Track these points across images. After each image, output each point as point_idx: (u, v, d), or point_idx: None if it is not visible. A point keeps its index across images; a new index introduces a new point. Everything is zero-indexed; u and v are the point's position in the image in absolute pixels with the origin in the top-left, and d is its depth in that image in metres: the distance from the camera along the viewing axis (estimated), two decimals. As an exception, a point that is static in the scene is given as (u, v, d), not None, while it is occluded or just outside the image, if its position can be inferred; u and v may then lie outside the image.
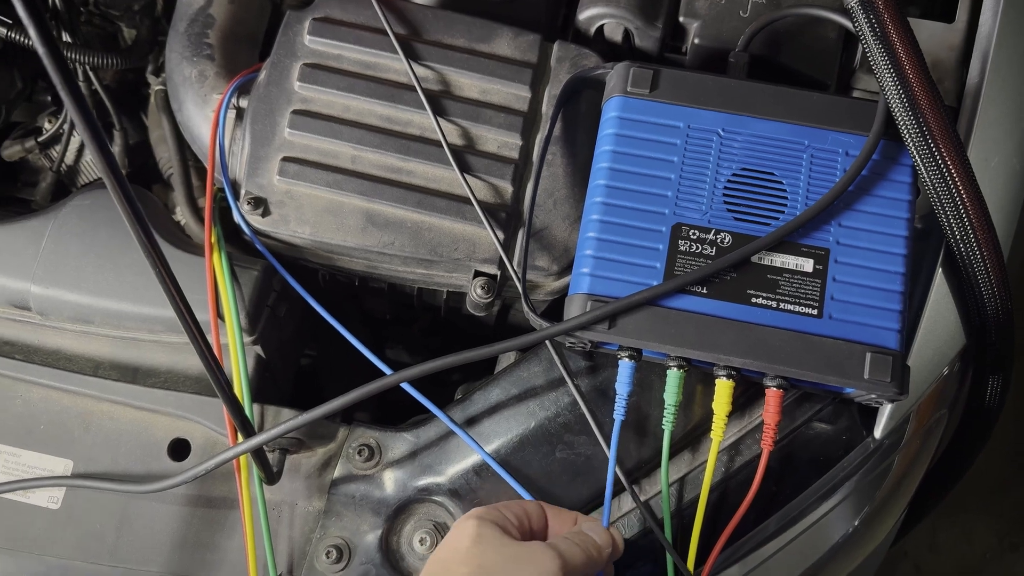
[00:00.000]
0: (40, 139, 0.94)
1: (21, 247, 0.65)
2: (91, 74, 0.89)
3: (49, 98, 0.94)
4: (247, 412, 0.59)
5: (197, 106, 0.71)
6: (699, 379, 0.63)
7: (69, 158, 0.95)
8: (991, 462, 1.48)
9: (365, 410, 0.90)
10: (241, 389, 0.62)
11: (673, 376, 0.58)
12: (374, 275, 0.69)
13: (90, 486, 0.63)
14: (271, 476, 0.61)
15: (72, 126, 0.92)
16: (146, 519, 0.63)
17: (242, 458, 0.60)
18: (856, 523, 0.71)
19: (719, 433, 0.58)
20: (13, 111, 0.91)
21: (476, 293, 0.66)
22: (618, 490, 0.63)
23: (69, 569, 0.62)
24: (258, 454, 0.58)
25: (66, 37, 0.87)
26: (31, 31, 0.36)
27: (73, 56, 0.84)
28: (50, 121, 0.94)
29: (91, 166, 0.97)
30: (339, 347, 0.72)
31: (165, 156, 0.91)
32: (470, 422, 0.64)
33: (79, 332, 0.66)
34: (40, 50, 0.37)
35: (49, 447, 0.64)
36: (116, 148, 0.93)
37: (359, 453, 0.64)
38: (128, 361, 0.67)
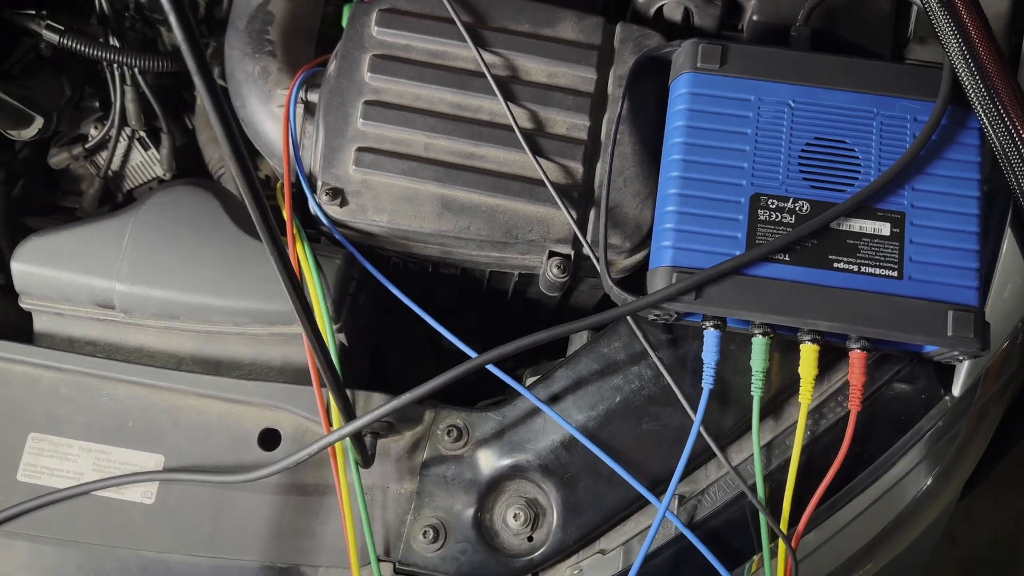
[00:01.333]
0: (87, 145, 0.94)
1: (103, 247, 0.66)
2: (139, 78, 0.90)
3: (96, 104, 0.94)
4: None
5: (261, 102, 0.72)
6: (777, 347, 0.64)
7: (115, 164, 0.96)
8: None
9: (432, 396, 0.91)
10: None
11: (759, 343, 0.60)
12: (448, 260, 0.70)
13: (189, 479, 0.63)
14: (367, 459, 0.62)
15: (119, 132, 0.93)
16: (240, 510, 0.64)
17: (338, 443, 0.61)
18: (929, 481, 0.73)
19: (807, 397, 0.59)
20: (63, 118, 0.91)
21: (552, 272, 0.67)
22: (704, 459, 0.65)
23: (167, 562, 0.63)
24: (357, 438, 0.59)
25: (114, 41, 0.88)
26: (175, 26, 0.37)
27: (124, 59, 0.85)
28: (96, 127, 0.95)
29: (137, 171, 0.97)
30: (403, 332, 0.73)
31: (215, 156, 0.92)
32: (554, 399, 0.65)
33: (162, 329, 0.67)
34: (183, 47, 0.38)
35: (139, 443, 0.65)
36: (164, 151, 0.94)
37: (448, 434, 0.65)
38: (211, 355, 0.67)
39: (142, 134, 0.95)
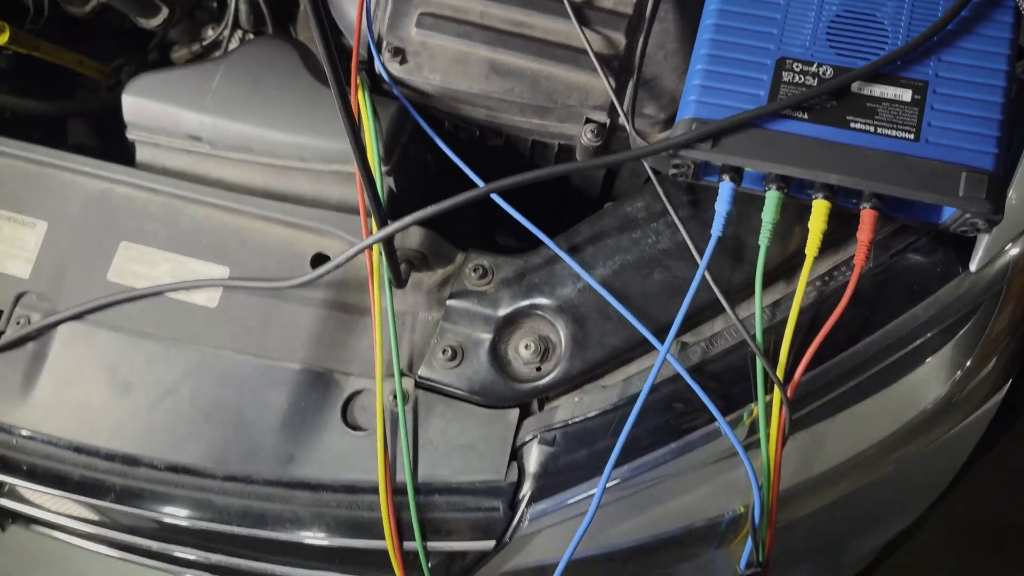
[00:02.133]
0: (204, 43, 1.06)
1: (197, 84, 0.76)
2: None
3: (215, 4, 1.06)
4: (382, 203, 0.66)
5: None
6: (795, 216, 0.67)
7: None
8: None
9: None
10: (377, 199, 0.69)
11: (772, 197, 0.62)
12: (493, 124, 0.76)
13: (241, 285, 0.72)
14: (399, 279, 0.69)
15: (231, 33, 1.04)
16: (288, 319, 0.72)
17: (375, 262, 0.68)
18: (949, 385, 0.73)
19: (814, 249, 0.62)
20: (183, 16, 1.04)
21: (586, 137, 0.72)
22: (711, 314, 0.68)
23: (222, 358, 0.72)
24: (389, 248, 0.65)
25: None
26: None
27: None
28: (212, 28, 1.07)
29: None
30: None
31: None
32: (574, 249, 0.70)
33: (239, 162, 0.76)
34: None
35: (210, 256, 0.74)
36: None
37: (474, 271, 0.70)
38: (278, 189, 0.76)
39: (251, 35, 1.07)
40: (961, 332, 0.69)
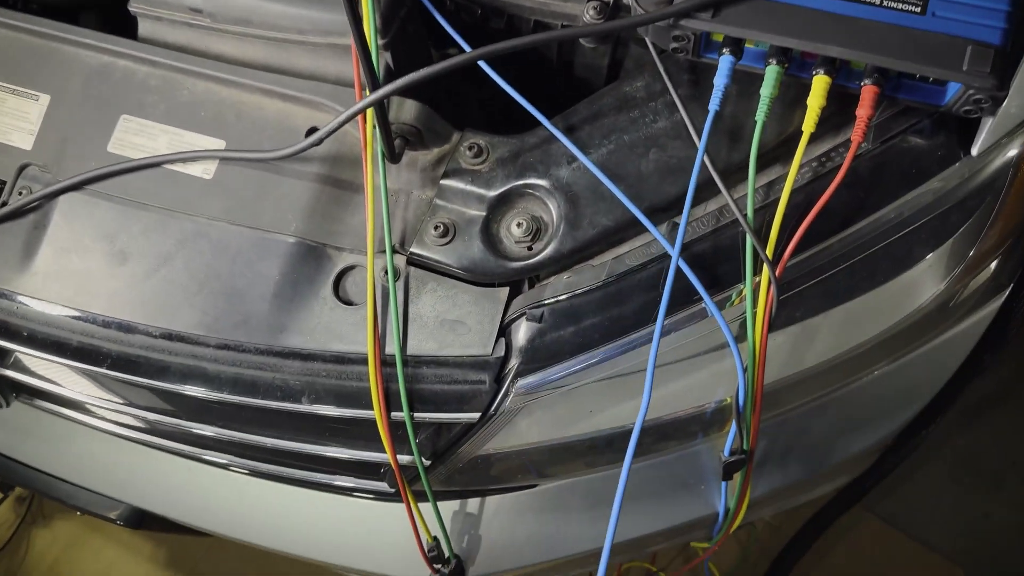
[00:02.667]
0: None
1: (198, -45, 0.75)
2: None
3: None
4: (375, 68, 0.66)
5: None
6: (795, 99, 0.65)
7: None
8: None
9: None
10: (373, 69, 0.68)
11: (771, 71, 0.61)
12: (496, 1, 0.75)
13: (234, 156, 0.72)
14: (392, 153, 0.68)
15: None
16: (283, 192, 0.72)
17: (368, 134, 0.68)
18: (946, 283, 0.72)
19: (810, 125, 0.60)
20: None
21: (588, 15, 0.70)
22: (706, 195, 0.67)
23: (217, 228, 0.72)
24: (382, 118, 0.65)
25: None
26: None
27: None
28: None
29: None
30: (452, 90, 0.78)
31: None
32: (571, 128, 0.69)
33: (239, 37, 0.76)
34: None
35: (207, 129, 0.74)
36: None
37: (470, 150, 0.70)
38: (277, 64, 0.76)
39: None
40: (961, 229, 0.68)
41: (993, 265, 0.72)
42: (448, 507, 0.81)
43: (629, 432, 0.72)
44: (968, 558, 1.47)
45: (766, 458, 0.80)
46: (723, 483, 0.74)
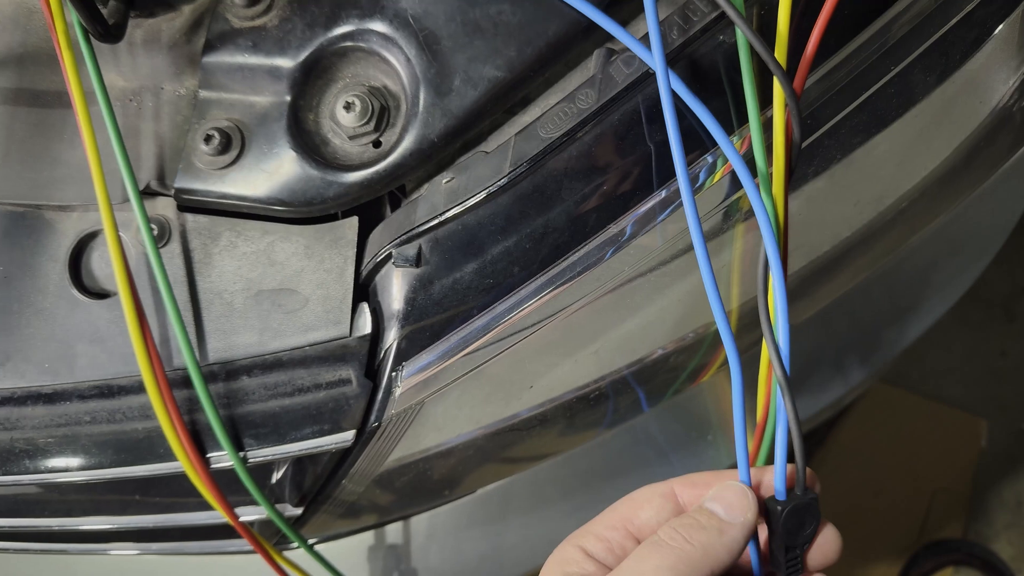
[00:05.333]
0: None
1: None
2: None
3: None
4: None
5: None
6: None
7: None
8: None
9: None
10: None
11: None
12: None
13: None
14: (101, 24, 0.38)
15: None
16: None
17: (54, 2, 0.38)
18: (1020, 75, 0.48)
19: None
20: None
21: None
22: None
23: None
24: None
25: None
26: None
27: None
28: None
29: None
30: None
31: None
32: (407, -75, 0.40)
33: None
34: None
35: None
36: None
37: (241, -5, 0.41)
38: None
39: None
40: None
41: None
42: (360, 544, 0.56)
43: (591, 396, 0.48)
44: (991, 406, 1.30)
45: (802, 366, 0.56)
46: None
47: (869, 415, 1.28)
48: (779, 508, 0.33)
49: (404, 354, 0.40)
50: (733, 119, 0.38)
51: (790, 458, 0.34)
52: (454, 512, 0.56)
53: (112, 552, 0.58)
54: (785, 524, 0.33)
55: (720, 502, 0.32)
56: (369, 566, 0.57)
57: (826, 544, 0.34)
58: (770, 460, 0.35)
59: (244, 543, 0.55)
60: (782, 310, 0.34)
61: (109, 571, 0.61)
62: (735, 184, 0.39)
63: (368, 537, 0.56)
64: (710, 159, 0.39)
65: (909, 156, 0.47)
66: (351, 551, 0.56)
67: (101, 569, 0.61)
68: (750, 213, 0.42)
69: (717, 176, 0.37)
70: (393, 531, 0.56)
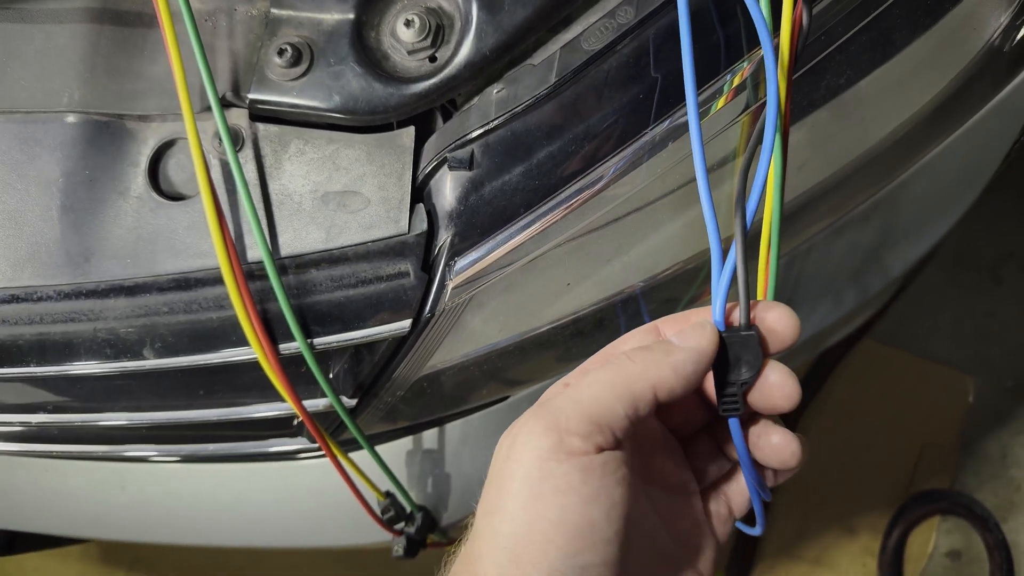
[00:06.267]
0: None
1: None
2: None
3: None
4: None
5: None
6: None
7: None
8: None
9: None
10: None
11: None
12: None
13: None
14: (184, -56, 0.43)
15: None
16: (38, 48, 0.46)
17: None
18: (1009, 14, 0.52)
19: None
20: None
21: None
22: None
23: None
24: None
25: None
26: None
27: None
28: None
29: None
30: None
31: None
32: None
33: None
34: None
35: None
36: None
37: (309, -78, 0.45)
38: None
39: None
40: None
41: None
42: (397, 448, 0.61)
43: (624, 302, 0.52)
44: (978, 364, 1.35)
45: (792, 298, 0.61)
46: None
47: (861, 372, 1.33)
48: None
49: (457, 250, 0.44)
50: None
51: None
52: (485, 419, 0.61)
53: (166, 461, 0.63)
54: (720, 358, 0.32)
55: (678, 333, 0.32)
56: (407, 470, 0.61)
57: (777, 388, 0.32)
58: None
59: (283, 445, 0.59)
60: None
61: (163, 481, 0.65)
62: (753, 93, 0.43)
63: (407, 442, 0.61)
64: (729, 77, 0.43)
65: (907, 87, 0.51)
66: (390, 454, 0.60)
67: (155, 479, 0.65)
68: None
69: (738, 79, 0.41)
70: (429, 437, 0.61)
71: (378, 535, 0.60)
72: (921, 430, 1.32)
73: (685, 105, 0.42)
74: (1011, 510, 1.27)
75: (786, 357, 0.54)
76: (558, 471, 0.29)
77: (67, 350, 0.47)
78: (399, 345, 0.47)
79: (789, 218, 0.56)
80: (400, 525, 0.59)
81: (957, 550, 1.25)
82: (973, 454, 1.31)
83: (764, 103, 0.34)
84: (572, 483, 0.29)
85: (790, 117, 0.38)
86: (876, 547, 1.22)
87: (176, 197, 0.46)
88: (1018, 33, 0.54)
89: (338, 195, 0.45)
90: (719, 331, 0.32)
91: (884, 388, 1.35)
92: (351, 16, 0.44)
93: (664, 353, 0.31)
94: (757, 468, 0.34)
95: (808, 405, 1.29)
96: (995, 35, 0.53)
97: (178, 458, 0.63)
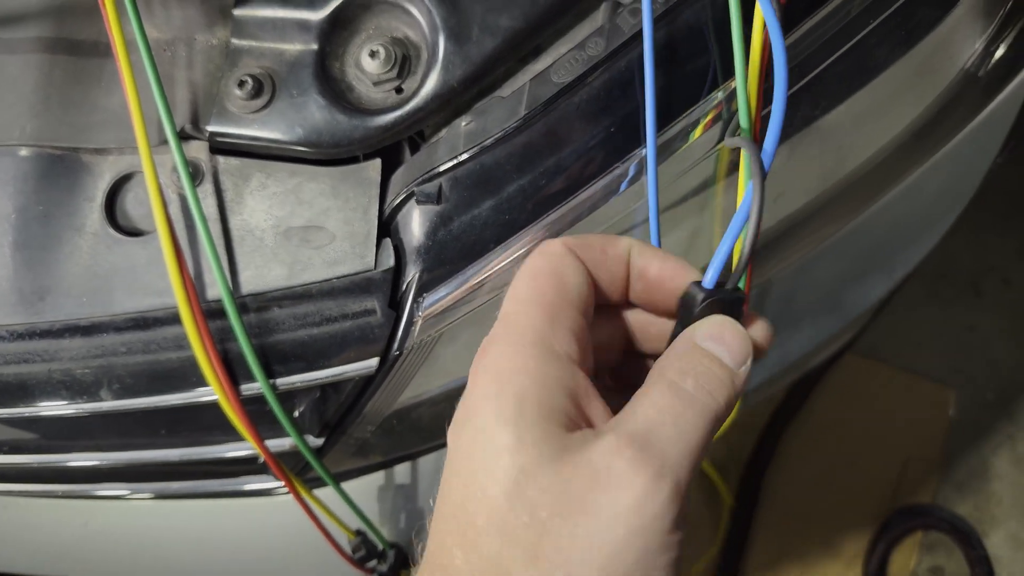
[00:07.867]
0: None
1: None
2: None
3: None
4: None
5: None
6: None
7: None
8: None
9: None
10: None
11: None
12: None
13: None
14: (139, -26, 0.41)
15: None
16: (-13, 79, 0.45)
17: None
18: (984, 40, 0.52)
19: None
20: None
21: None
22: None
23: None
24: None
25: None
26: None
27: None
28: None
29: None
30: None
31: None
32: None
33: None
34: None
35: None
36: None
37: (271, -50, 0.43)
38: None
39: None
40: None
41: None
42: (369, 484, 0.59)
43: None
44: (959, 377, 1.35)
45: (785, 320, 0.60)
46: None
47: (843, 386, 1.33)
48: (700, 296, 0.29)
49: (425, 286, 0.43)
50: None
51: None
52: (460, 452, 0.59)
53: (131, 498, 0.61)
54: (699, 316, 0.29)
55: (722, 344, 0.29)
56: (379, 506, 0.60)
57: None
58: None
59: (255, 483, 0.58)
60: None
61: (128, 517, 0.63)
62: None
63: (378, 477, 0.59)
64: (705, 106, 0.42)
65: (884, 113, 0.51)
66: (361, 490, 0.59)
67: (121, 516, 0.63)
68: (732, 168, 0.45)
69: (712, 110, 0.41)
70: (401, 471, 0.59)
71: (350, 574, 0.59)
72: (903, 443, 1.31)
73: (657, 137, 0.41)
74: (992, 523, 1.27)
75: (767, 382, 0.52)
76: None
77: (21, 392, 0.45)
78: (367, 383, 0.46)
79: (769, 245, 0.55)
80: (372, 563, 0.57)
81: (939, 566, 1.25)
82: (955, 467, 1.31)
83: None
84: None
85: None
86: (859, 563, 1.22)
87: (134, 233, 0.44)
88: (992, 58, 0.54)
89: (301, 230, 0.43)
90: (702, 287, 0.30)
91: (866, 402, 1.35)
92: (314, 47, 0.43)
93: (732, 386, 0.28)
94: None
95: (791, 420, 1.28)
96: (970, 61, 0.52)
97: (147, 495, 0.61)
